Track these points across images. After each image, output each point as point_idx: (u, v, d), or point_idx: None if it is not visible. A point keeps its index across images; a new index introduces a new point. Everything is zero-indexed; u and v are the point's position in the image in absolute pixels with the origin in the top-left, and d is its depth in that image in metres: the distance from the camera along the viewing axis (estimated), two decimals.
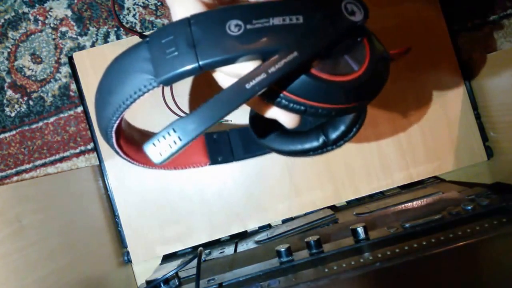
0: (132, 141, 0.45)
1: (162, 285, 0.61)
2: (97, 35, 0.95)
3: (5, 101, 0.95)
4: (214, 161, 0.56)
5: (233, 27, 0.32)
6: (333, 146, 0.52)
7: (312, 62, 0.36)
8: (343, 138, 0.51)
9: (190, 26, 0.32)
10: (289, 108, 0.37)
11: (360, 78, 0.37)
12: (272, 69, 0.32)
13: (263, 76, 0.32)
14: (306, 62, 0.34)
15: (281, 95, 0.36)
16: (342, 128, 0.50)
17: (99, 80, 0.37)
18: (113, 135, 0.39)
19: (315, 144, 0.52)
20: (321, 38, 0.34)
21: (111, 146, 0.40)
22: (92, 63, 0.84)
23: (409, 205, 0.72)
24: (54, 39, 0.96)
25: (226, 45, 0.32)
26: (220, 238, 0.85)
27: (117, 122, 0.37)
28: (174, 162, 0.53)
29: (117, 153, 0.43)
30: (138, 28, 0.94)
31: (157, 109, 0.83)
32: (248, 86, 0.32)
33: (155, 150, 0.32)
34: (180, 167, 0.57)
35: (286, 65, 0.32)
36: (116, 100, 0.35)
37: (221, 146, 0.55)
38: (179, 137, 0.32)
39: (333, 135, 0.51)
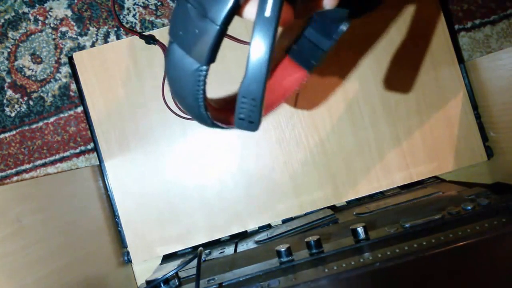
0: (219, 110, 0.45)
1: (162, 285, 0.61)
2: (97, 35, 0.95)
3: (5, 101, 0.95)
4: (309, 67, 0.52)
5: None
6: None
7: None
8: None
9: (188, 2, 0.32)
10: None
11: None
12: None
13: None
14: None
15: None
16: None
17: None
18: (207, 114, 0.38)
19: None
20: None
21: (209, 123, 0.40)
22: (92, 63, 0.84)
23: (409, 205, 0.72)
24: (54, 39, 0.96)
25: None
26: (220, 238, 0.85)
27: (203, 105, 0.37)
28: (277, 94, 0.52)
29: (216, 126, 0.43)
30: (138, 28, 0.94)
31: (157, 109, 0.83)
32: (267, 14, 0.32)
33: (245, 123, 0.34)
34: (287, 95, 0.54)
35: None
36: (189, 100, 0.36)
37: (306, 50, 0.52)
38: (252, 99, 0.33)
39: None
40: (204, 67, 0.33)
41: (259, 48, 0.32)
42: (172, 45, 0.34)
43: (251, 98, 0.33)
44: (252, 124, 0.34)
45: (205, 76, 0.34)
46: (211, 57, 0.33)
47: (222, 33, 0.32)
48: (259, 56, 0.32)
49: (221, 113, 0.42)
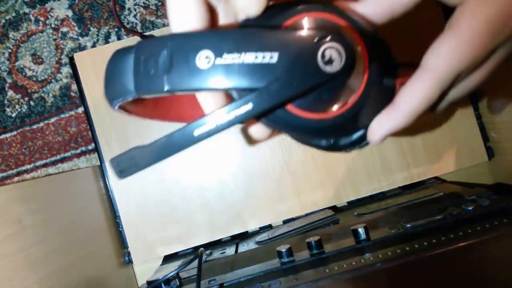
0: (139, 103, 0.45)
1: (163, 286, 0.61)
2: (98, 35, 0.95)
3: (6, 101, 0.96)
4: None
5: (204, 58, 0.32)
6: (339, 150, 0.48)
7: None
8: (352, 146, 0.48)
9: (166, 48, 0.33)
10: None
11: (343, 115, 0.36)
12: (220, 122, 0.33)
13: (210, 126, 0.33)
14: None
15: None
16: (353, 137, 0.46)
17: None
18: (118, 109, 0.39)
19: (322, 143, 0.49)
20: (283, 90, 0.32)
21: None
22: (93, 64, 0.84)
23: (410, 205, 0.72)
24: (55, 39, 0.96)
25: (194, 78, 0.32)
26: (221, 239, 0.85)
27: (117, 107, 0.37)
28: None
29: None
30: (139, 28, 0.95)
31: None
32: (196, 134, 0.33)
33: (117, 167, 0.34)
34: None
35: (236, 118, 0.32)
36: (110, 95, 0.36)
37: None
38: (136, 164, 0.34)
39: (342, 142, 0.48)
40: (134, 95, 0.34)
41: (179, 141, 0.34)
42: (131, 54, 0.34)
43: (135, 161, 0.34)
44: (121, 173, 0.34)
45: (130, 99, 0.34)
46: (143, 95, 0.34)
47: (168, 94, 0.33)
48: (171, 146, 0.34)
49: (134, 108, 0.42)
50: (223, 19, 0.37)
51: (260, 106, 0.32)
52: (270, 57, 0.31)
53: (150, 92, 0.34)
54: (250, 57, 0.31)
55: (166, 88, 0.33)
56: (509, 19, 0.33)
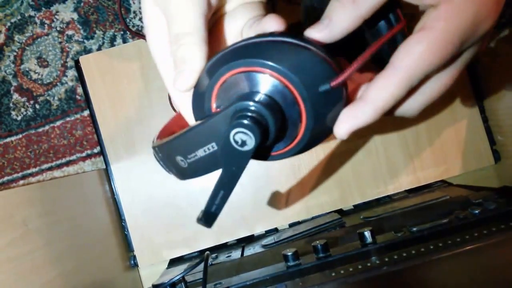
0: None
1: None
2: (103, 38, 0.96)
3: (11, 104, 0.96)
4: None
5: (180, 161, 0.40)
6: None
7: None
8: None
9: (163, 154, 0.42)
10: None
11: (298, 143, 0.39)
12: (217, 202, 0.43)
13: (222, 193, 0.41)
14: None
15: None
16: None
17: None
18: None
19: None
20: (232, 175, 0.38)
21: None
22: (99, 67, 0.84)
23: (416, 209, 0.72)
24: (60, 42, 0.96)
25: (185, 174, 0.42)
26: (227, 242, 0.85)
27: None
28: None
29: None
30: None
31: (164, 112, 0.83)
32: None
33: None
34: None
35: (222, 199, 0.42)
36: None
37: None
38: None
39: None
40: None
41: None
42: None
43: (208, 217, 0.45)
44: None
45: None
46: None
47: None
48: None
49: None
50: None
51: (229, 188, 0.40)
52: (212, 147, 0.38)
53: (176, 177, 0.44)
54: (202, 152, 0.38)
55: (180, 179, 0.44)
56: (478, 26, 0.35)
